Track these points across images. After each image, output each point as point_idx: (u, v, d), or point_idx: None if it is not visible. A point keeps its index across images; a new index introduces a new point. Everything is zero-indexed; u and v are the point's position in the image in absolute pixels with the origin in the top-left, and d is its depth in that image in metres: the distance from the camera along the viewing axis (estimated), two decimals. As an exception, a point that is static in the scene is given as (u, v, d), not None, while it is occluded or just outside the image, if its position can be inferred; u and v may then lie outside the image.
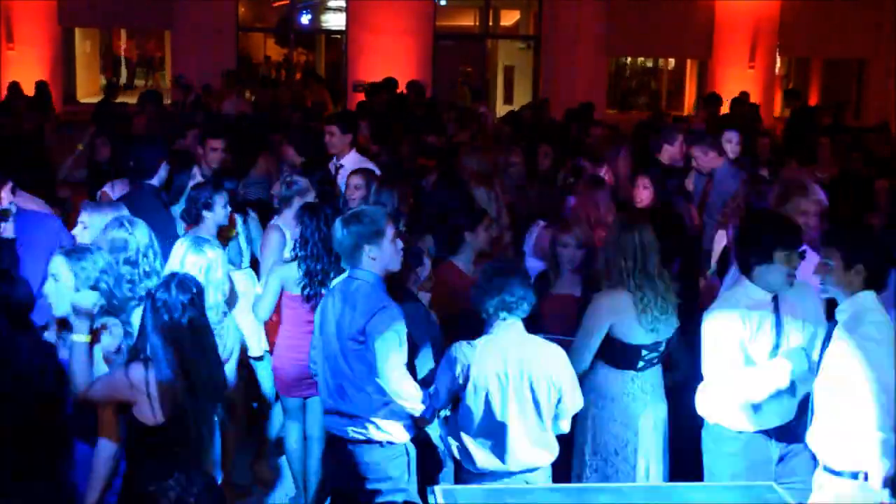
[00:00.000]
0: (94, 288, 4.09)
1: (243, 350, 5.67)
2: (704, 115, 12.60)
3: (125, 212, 5.09)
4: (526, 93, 18.11)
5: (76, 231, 5.13)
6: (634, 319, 4.67)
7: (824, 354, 4.02)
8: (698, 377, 4.59)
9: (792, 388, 4.31)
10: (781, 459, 4.44)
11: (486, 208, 6.03)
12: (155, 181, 6.13)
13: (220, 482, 4.27)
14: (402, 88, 13.18)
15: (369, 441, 4.40)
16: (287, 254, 5.71)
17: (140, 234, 4.71)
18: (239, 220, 6.13)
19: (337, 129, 7.60)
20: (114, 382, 3.88)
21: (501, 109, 15.79)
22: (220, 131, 7.69)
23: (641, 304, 4.67)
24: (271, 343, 5.73)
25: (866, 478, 3.86)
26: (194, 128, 8.64)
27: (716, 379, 4.32)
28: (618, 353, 4.74)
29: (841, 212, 6.61)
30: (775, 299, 4.33)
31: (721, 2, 17.30)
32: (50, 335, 4.18)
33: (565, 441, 4.60)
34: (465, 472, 4.41)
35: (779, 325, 4.32)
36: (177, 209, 6.27)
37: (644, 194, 6.71)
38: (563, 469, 4.78)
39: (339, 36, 18.64)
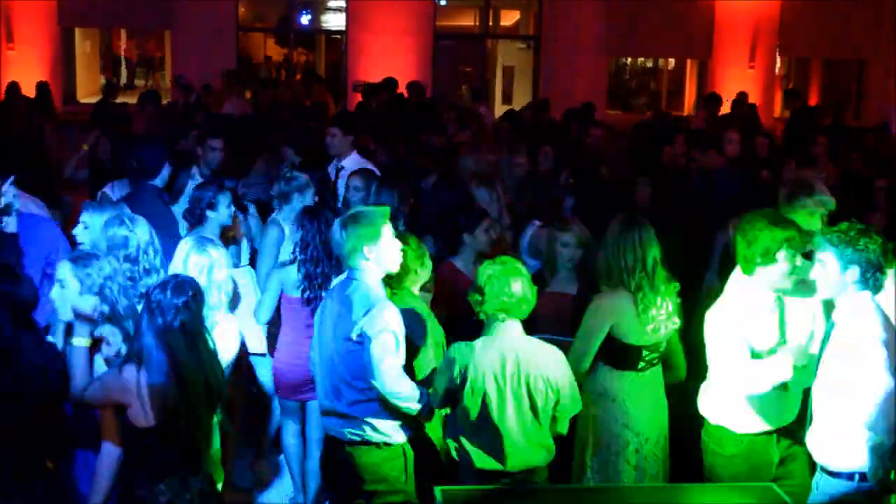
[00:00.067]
0: (99, 294, 4.09)
1: (243, 349, 5.67)
2: (705, 115, 12.60)
3: (126, 211, 5.10)
4: (526, 93, 18.10)
5: (77, 231, 5.13)
6: (635, 320, 4.67)
7: (822, 355, 4.03)
8: (698, 377, 4.59)
9: (793, 388, 4.32)
10: (782, 462, 4.44)
11: (487, 209, 6.02)
12: (157, 181, 6.13)
13: (220, 484, 4.26)
14: (401, 89, 13.17)
15: (366, 442, 4.40)
16: (285, 255, 5.71)
17: (140, 232, 4.72)
18: (239, 216, 6.13)
19: (338, 130, 7.58)
20: (107, 384, 3.88)
21: (500, 109, 15.75)
22: (219, 131, 7.70)
23: (642, 304, 4.67)
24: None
25: (863, 478, 3.87)
26: (195, 128, 8.65)
27: (720, 373, 4.31)
28: (618, 354, 4.74)
29: (840, 212, 6.60)
30: (778, 299, 4.33)
31: (721, 2, 17.30)
32: (57, 339, 4.18)
33: (565, 441, 4.61)
34: (464, 473, 4.41)
35: (781, 325, 4.32)
36: (176, 209, 6.28)
37: (643, 193, 6.72)
38: (564, 469, 4.78)
39: (339, 36, 18.64)
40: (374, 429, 4.38)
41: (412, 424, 4.47)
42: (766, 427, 4.38)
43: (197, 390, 3.86)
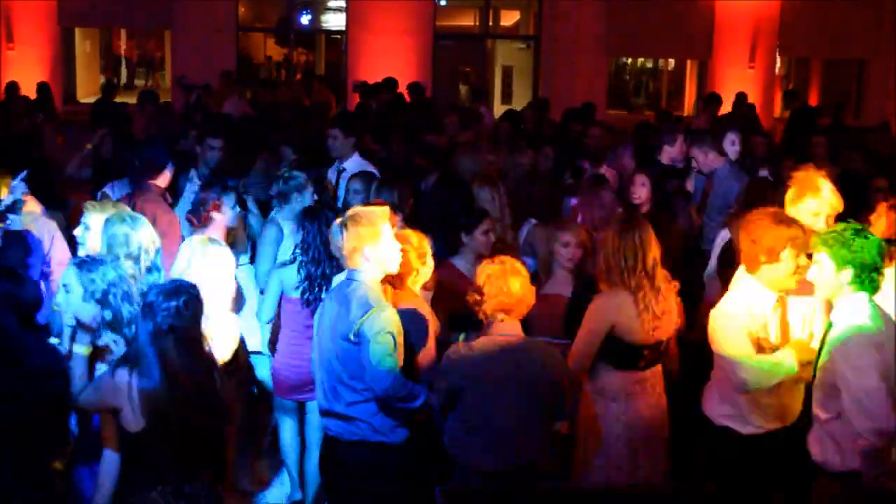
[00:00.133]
0: (102, 300, 4.09)
1: (243, 349, 5.67)
2: (707, 115, 12.60)
3: (127, 210, 5.09)
4: (525, 93, 18.10)
5: (78, 232, 5.12)
6: (635, 319, 4.67)
7: (820, 356, 4.04)
8: (699, 377, 4.60)
9: (797, 387, 4.32)
10: (784, 462, 4.44)
11: (488, 209, 6.00)
12: (160, 181, 6.11)
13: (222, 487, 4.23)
14: (401, 89, 13.18)
15: (365, 442, 4.41)
16: (284, 255, 5.71)
17: (141, 230, 4.71)
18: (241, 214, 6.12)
19: (339, 132, 7.52)
20: (99, 387, 3.87)
21: (499, 109, 15.75)
22: (218, 130, 7.68)
23: (642, 303, 4.67)
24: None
25: (860, 479, 3.87)
26: (194, 128, 8.65)
27: (725, 371, 4.30)
28: (619, 353, 4.74)
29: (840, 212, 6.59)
30: (781, 299, 4.34)
31: (721, 2, 17.29)
32: (65, 342, 4.18)
33: (565, 441, 4.61)
34: (464, 473, 4.42)
35: (784, 324, 4.33)
36: (175, 211, 6.28)
37: (642, 192, 6.71)
38: (564, 469, 4.78)
39: (339, 36, 18.64)
40: (373, 429, 4.39)
41: (411, 424, 4.47)
42: (770, 426, 4.38)
43: (186, 395, 3.80)
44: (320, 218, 5.34)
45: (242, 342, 5.61)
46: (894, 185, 7.13)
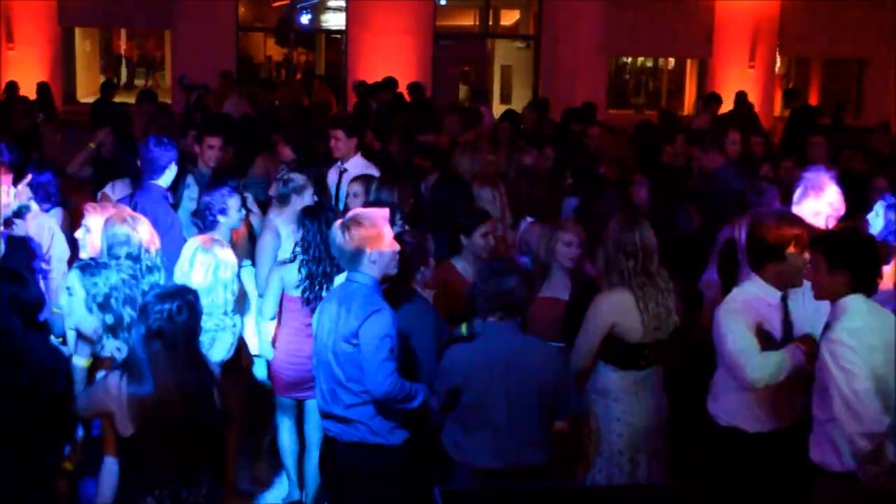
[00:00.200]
0: (104, 304, 4.08)
1: (243, 350, 5.66)
2: (707, 115, 12.60)
3: (128, 209, 5.09)
4: (525, 93, 18.10)
5: (79, 233, 5.11)
6: (636, 319, 4.67)
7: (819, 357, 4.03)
8: (699, 377, 4.59)
9: (804, 384, 4.32)
10: (787, 462, 4.43)
11: (489, 209, 5.99)
12: (162, 182, 6.10)
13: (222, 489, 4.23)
14: (401, 89, 13.18)
15: (363, 443, 4.41)
16: (284, 254, 5.70)
17: (142, 229, 4.70)
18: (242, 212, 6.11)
19: (342, 133, 7.50)
20: (92, 392, 3.88)
21: (498, 109, 15.76)
22: (217, 129, 7.66)
23: (642, 303, 4.67)
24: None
25: (857, 479, 3.87)
26: (193, 127, 8.64)
27: (731, 369, 4.28)
28: (620, 353, 4.74)
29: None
30: (784, 298, 4.34)
31: (721, 2, 17.29)
32: (70, 344, 4.19)
33: (566, 441, 4.61)
34: (464, 473, 4.42)
35: (787, 323, 4.32)
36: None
37: (641, 192, 6.71)
38: (565, 469, 4.78)
39: (339, 36, 18.65)
40: (371, 431, 4.39)
41: (410, 425, 4.47)
42: (777, 425, 4.37)
43: (173, 402, 3.77)
44: (320, 217, 5.34)
45: (242, 342, 5.62)
46: (894, 185, 7.13)
